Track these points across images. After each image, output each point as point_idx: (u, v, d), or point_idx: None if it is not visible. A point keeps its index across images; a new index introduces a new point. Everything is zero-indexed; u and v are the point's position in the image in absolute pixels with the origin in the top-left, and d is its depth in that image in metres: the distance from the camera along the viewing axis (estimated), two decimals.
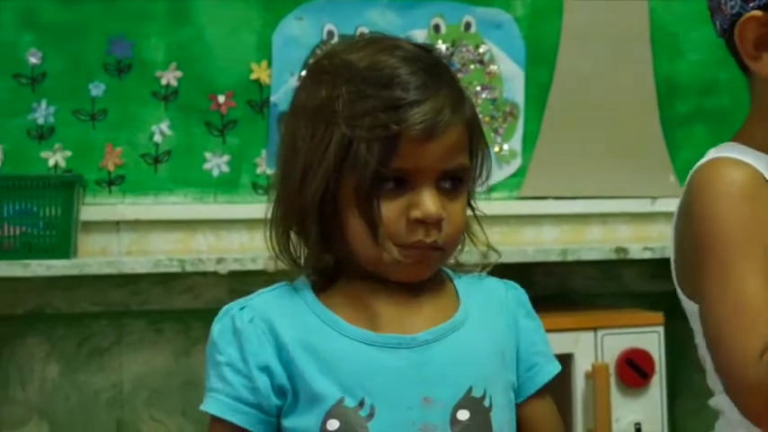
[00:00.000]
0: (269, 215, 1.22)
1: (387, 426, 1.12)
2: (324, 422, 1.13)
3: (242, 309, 1.21)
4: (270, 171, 2.42)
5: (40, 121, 2.31)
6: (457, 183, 1.16)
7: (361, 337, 1.10)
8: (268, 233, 1.23)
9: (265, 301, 1.21)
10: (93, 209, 2.30)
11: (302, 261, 1.22)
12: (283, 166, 1.20)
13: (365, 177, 1.11)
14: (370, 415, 1.12)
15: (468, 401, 1.15)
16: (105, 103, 2.34)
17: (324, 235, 1.16)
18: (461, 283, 1.23)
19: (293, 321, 1.15)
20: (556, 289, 2.52)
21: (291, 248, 1.22)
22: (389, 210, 1.13)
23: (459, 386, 1.15)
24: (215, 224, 2.38)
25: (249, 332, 1.16)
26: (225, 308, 1.24)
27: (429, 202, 1.12)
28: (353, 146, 1.11)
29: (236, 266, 2.07)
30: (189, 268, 2.06)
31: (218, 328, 1.20)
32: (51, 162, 2.31)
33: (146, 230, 2.35)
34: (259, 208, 2.32)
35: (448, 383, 1.15)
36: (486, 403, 1.16)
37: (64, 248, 2.07)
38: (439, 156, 1.13)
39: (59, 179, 2.15)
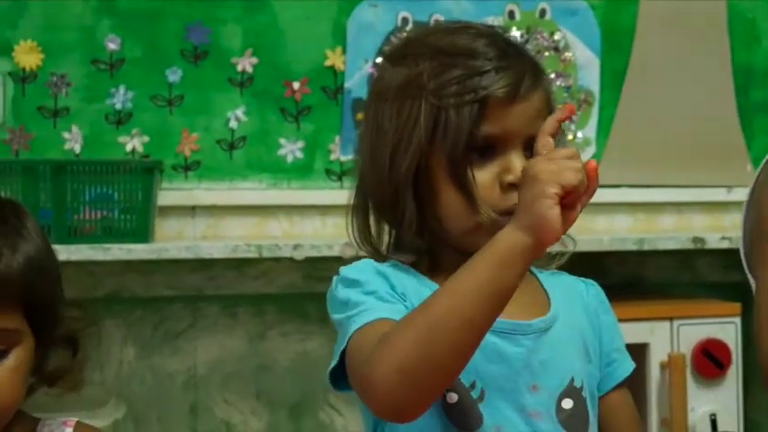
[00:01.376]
0: (351, 202, 1.23)
1: (496, 410, 1.14)
2: (444, 394, 1.13)
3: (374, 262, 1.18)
4: (343, 157, 2.43)
5: (119, 106, 2.34)
6: None
7: None
8: (349, 221, 1.24)
9: (393, 266, 1.18)
10: (170, 194, 2.32)
11: (384, 249, 1.23)
12: (369, 150, 1.20)
13: (458, 143, 1.13)
14: (481, 397, 1.14)
15: (571, 390, 1.17)
16: (182, 89, 2.37)
17: (417, 215, 1.17)
18: (544, 278, 1.24)
19: (416, 293, 1.15)
20: (629, 278, 2.50)
21: (373, 237, 1.22)
22: (483, 176, 1.14)
23: (563, 375, 1.17)
24: (289, 210, 2.40)
25: (392, 275, 1.15)
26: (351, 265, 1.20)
27: (520, 164, 1.13)
28: (443, 114, 1.13)
29: (312, 253, 2.08)
30: (266, 254, 2.08)
31: (355, 271, 1.16)
32: (129, 147, 2.33)
33: (221, 216, 2.37)
34: (332, 194, 2.39)
35: (554, 372, 1.16)
36: (584, 394, 1.18)
37: (143, 233, 2.10)
38: (524, 120, 1.14)
39: (140, 164, 2.17)
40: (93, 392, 2.34)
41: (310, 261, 2.17)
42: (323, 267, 2.37)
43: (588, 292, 1.26)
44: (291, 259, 2.21)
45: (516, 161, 1.14)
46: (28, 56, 2.31)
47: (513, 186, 1.13)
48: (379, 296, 1.12)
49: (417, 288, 1.16)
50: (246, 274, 2.37)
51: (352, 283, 1.16)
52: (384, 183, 1.17)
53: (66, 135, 2.32)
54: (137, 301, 2.34)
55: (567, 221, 1.03)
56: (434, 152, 1.14)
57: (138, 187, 2.10)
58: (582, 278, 1.28)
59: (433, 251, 1.20)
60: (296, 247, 2.08)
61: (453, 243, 1.17)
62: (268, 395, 2.40)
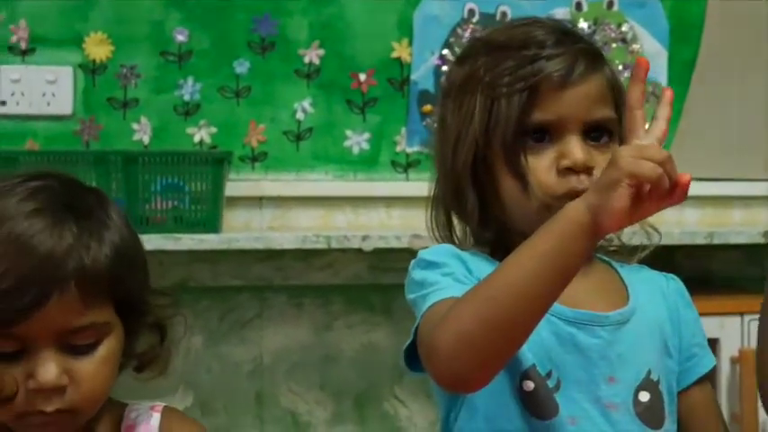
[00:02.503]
0: (431, 194, 1.24)
1: (572, 400, 1.14)
2: (521, 381, 1.14)
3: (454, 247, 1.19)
4: (409, 149, 2.43)
5: (187, 97, 2.36)
6: (605, 136, 1.16)
7: (553, 310, 1.08)
8: (428, 212, 1.25)
9: (472, 253, 1.19)
10: (237, 185, 2.34)
11: (460, 241, 1.24)
12: (437, 145, 1.23)
13: (508, 131, 1.13)
14: (557, 387, 1.14)
15: (648, 384, 1.16)
16: (249, 81, 2.38)
17: (481, 207, 1.18)
18: (624, 271, 1.24)
19: None
20: (698, 272, 2.48)
21: (454, 228, 1.24)
22: (538, 162, 1.14)
23: (640, 368, 1.16)
24: (354, 201, 2.41)
25: (470, 260, 1.16)
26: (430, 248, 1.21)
27: (575, 148, 1.13)
28: (495, 105, 1.14)
29: (380, 244, 2.09)
30: (334, 245, 2.09)
31: (433, 254, 1.17)
32: (197, 138, 2.36)
33: (287, 206, 2.39)
34: (398, 186, 2.39)
35: (631, 365, 1.15)
36: (661, 388, 1.17)
37: (213, 223, 2.12)
38: (580, 105, 1.13)
39: (211, 155, 2.19)
40: (161, 381, 2.36)
41: (377, 252, 2.18)
42: (389, 259, 2.38)
43: (669, 286, 1.25)
44: (358, 250, 2.21)
45: (573, 146, 1.13)
46: (98, 48, 2.34)
47: (570, 171, 1.13)
48: (456, 278, 1.13)
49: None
50: (313, 264, 2.38)
51: (429, 265, 1.16)
52: (448, 176, 1.19)
53: (135, 126, 2.35)
54: (204, 291, 2.36)
55: (638, 215, 1.00)
56: (490, 143, 1.15)
57: (208, 178, 2.12)
58: (663, 273, 1.27)
59: (505, 241, 1.20)
60: (364, 238, 2.08)
61: (520, 231, 1.17)
62: (333, 385, 2.41)
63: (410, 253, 2.35)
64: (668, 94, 1.04)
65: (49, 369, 1.05)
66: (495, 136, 1.14)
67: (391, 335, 2.41)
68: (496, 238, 1.20)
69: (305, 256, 2.36)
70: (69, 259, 1.05)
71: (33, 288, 1.03)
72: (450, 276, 1.13)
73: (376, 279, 2.39)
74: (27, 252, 1.04)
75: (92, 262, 1.06)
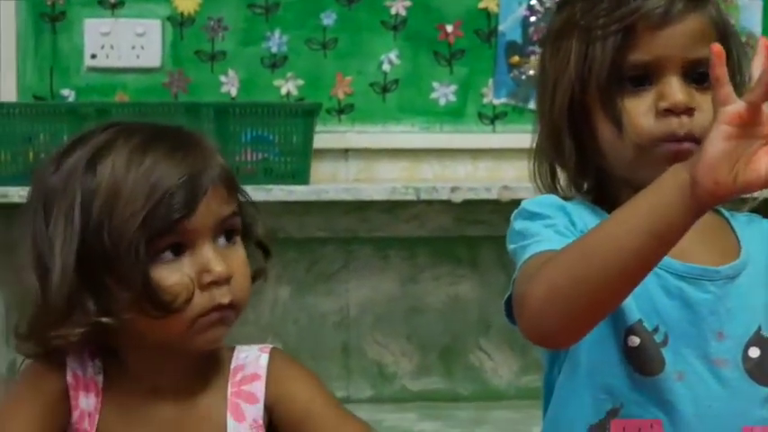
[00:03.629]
0: (533, 145, 1.22)
1: (679, 356, 1.12)
2: (625, 337, 1.12)
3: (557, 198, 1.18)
4: (496, 101, 2.41)
5: (274, 50, 2.37)
6: (708, 79, 1.13)
7: (662, 263, 1.04)
8: (532, 163, 1.24)
9: (578, 203, 1.19)
10: (323, 137, 2.34)
11: (564, 191, 1.23)
12: (538, 95, 1.21)
13: (603, 74, 1.10)
14: (664, 342, 1.12)
15: (758, 339, 1.14)
16: (336, 33, 2.38)
17: (579, 154, 1.16)
18: (736, 221, 1.21)
19: None
20: None
21: (558, 179, 1.23)
22: (635, 105, 1.11)
23: (750, 323, 1.14)
24: (440, 153, 2.40)
25: (574, 211, 1.15)
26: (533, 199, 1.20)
27: (674, 89, 1.09)
28: (590, 48, 1.12)
29: (469, 195, 2.08)
30: (423, 196, 2.08)
31: (536, 204, 1.16)
32: (284, 90, 2.36)
33: (373, 159, 2.39)
34: (484, 138, 2.38)
35: (741, 320, 1.13)
36: None
37: (302, 174, 2.13)
38: (679, 44, 1.10)
39: (300, 107, 2.20)
40: (248, 331, 2.40)
41: (463, 204, 2.17)
42: (476, 211, 2.37)
43: None
44: (445, 202, 2.21)
45: (673, 86, 1.09)
46: (186, 1, 2.35)
47: (669, 113, 1.09)
48: (557, 230, 1.11)
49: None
50: (399, 216, 2.39)
51: (531, 216, 1.14)
52: (546, 123, 1.17)
53: (222, 78, 2.36)
54: (291, 242, 2.37)
55: (746, 176, 0.92)
56: (586, 87, 1.12)
57: (298, 130, 2.12)
58: None
59: (606, 188, 1.19)
60: (453, 189, 2.08)
61: (620, 177, 1.15)
62: (419, 337, 2.42)
63: (497, 205, 2.36)
64: (764, 42, 0.97)
65: (219, 260, 1.09)
66: (591, 79, 1.11)
67: (477, 287, 2.41)
68: (597, 185, 1.17)
69: (391, 208, 2.36)
70: (210, 159, 1.12)
71: (189, 186, 1.09)
72: (552, 228, 1.11)
73: (462, 231, 2.39)
74: (175, 157, 1.11)
75: (223, 161, 1.14)
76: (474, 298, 2.42)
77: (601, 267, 0.98)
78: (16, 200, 2.03)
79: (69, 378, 1.18)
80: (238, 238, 1.14)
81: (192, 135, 1.17)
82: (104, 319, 1.12)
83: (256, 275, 1.22)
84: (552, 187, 1.22)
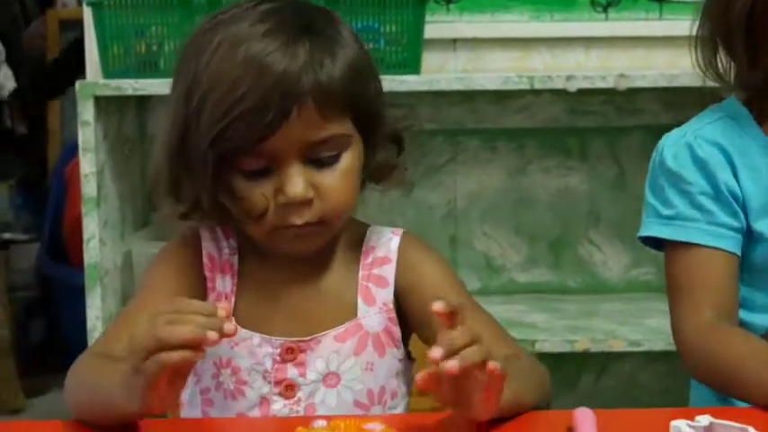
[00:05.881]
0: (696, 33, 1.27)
1: None
2: None
3: (695, 138, 1.24)
4: None
5: None
6: None
7: None
8: (694, 51, 1.27)
9: (714, 129, 1.24)
10: (431, 26, 2.30)
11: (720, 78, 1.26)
12: None
13: None
14: None
15: None
16: None
17: (752, 49, 1.17)
18: None
19: (744, 160, 1.21)
20: None
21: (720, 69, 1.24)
22: None
23: None
24: (551, 42, 2.34)
25: (712, 160, 1.20)
26: (671, 137, 1.28)
27: None
28: None
29: (584, 84, 2.03)
30: (537, 85, 2.04)
31: (672, 156, 1.24)
32: None
33: (482, 48, 2.34)
34: (597, 26, 2.32)
35: None
36: None
37: (414, 64, 2.10)
38: None
39: None
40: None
41: (574, 95, 2.12)
42: (587, 101, 2.33)
43: None
44: (555, 92, 2.17)
45: None
46: None
47: None
48: (693, 201, 1.21)
49: (742, 150, 1.21)
50: (508, 107, 2.35)
51: (670, 175, 1.23)
52: (719, 18, 1.22)
53: None
54: None
55: None
56: None
57: (408, 18, 2.09)
58: None
59: None
60: (568, 78, 2.03)
61: None
62: (527, 229, 2.41)
63: (609, 95, 2.31)
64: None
65: (297, 183, 1.10)
66: None
67: (587, 179, 2.38)
68: (764, 80, 1.21)
69: (500, 98, 2.33)
70: (305, 75, 1.09)
71: (273, 105, 1.07)
72: (687, 198, 1.21)
73: (572, 122, 2.35)
74: (264, 72, 1.09)
75: (326, 78, 1.10)
76: (583, 190, 2.39)
77: None
78: (129, 92, 2.04)
79: (205, 260, 1.20)
80: (343, 156, 1.13)
81: (310, 30, 1.12)
82: (193, 214, 1.14)
83: (382, 176, 1.20)
84: (714, 76, 1.25)
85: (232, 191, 1.12)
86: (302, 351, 1.17)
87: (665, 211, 1.23)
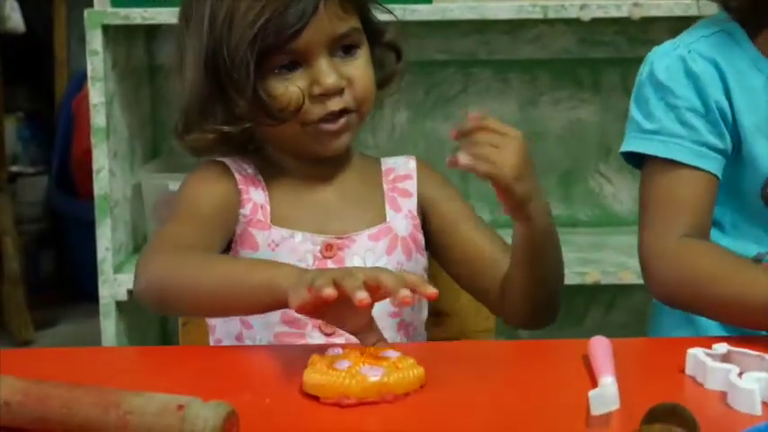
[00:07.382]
0: None
1: None
2: (764, 185, 1.11)
3: (689, 52, 1.18)
4: None
5: None
6: None
7: None
8: None
9: (709, 44, 1.18)
10: None
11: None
12: None
13: None
14: None
15: None
16: None
17: None
18: None
19: (738, 79, 1.13)
20: None
21: None
22: None
23: None
24: None
25: (706, 76, 1.14)
26: (662, 49, 1.24)
27: None
28: None
29: (598, 13, 2.00)
30: (551, 15, 2.01)
31: (664, 68, 1.18)
32: None
33: None
34: None
35: None
36: None
37: None
38: None
39: None
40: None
41: (587, 25, 2.09)
42: (600, 32, 2.30)
43: None
44: (567, 22, 2.14)
45: None
46: None
47: None
48: (679, 117, 1.16)
49: (737, 68, 1.16)
50: (520, 38, 2.33)
51: (658, 88, 1.18)
52: None
53: None
54: (409, 65, 2.31)
55: None
56: None
57: None
58: None
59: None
60: (582, 7, 2.00)
61: None
62: (538, 162, 2.35)
63: (622, 26, 2.27)
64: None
65: (329, 73, 1.20)
66: None
67: (599, 112, 2.36)
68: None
69: (511, 29, 2.30)
70: None
71: (302, 1, 1.17)
72: (674, 113, 1.16)
73: (584, 53, 2.32)
74: None
75: None
76: (595, 122, 2.37)
77: None
78: (138, 21, 2.02)
79: (237, 175, 1.26)
80: (360, 50, 1.24)
81: None
82: (226, 128, 1.19)
83: (387, 79, 1.33)
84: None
85: (268, 91, 1.19)
86: (340, 249, 1.24)
87: (649, 125, 1.18)
